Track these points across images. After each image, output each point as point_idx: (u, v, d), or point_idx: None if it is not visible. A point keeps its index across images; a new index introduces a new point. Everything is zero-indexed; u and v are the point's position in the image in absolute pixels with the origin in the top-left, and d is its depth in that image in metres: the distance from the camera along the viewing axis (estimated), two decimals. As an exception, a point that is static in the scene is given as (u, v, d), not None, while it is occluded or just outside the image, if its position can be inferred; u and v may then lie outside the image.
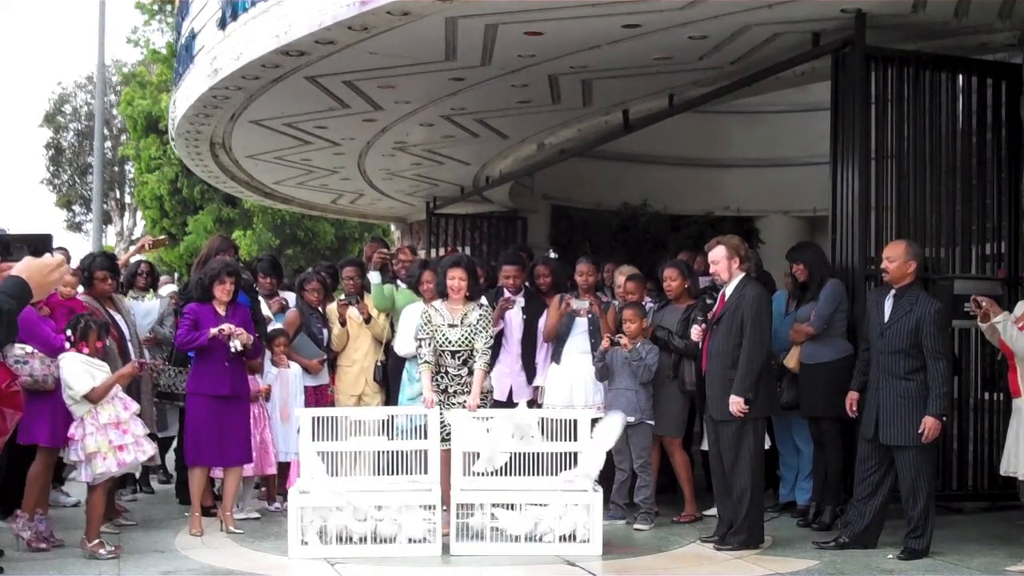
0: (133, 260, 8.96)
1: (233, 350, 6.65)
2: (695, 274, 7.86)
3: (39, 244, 3.27)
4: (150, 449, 6.26)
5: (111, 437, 6.03)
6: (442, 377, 6.68)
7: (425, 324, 6.71)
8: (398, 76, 8.49)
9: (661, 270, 7.63)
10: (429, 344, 6.67)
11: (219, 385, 6.74)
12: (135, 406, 6.24)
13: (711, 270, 6.44)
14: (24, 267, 3.13)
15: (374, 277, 7.89)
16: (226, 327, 6.65)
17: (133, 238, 30.14)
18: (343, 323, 8.04)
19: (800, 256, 7.13)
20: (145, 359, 7.14)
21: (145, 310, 8.20)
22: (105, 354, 6.39)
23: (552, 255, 8.25)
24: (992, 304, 6.19)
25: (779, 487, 7.64)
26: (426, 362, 6.67)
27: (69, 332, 6.19)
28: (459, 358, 6.66)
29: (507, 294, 7.82)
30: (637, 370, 6.92)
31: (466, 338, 6.65)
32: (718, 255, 6.34)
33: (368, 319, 7.99)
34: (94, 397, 6.02)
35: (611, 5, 6.74)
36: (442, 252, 13.14)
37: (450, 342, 6.65)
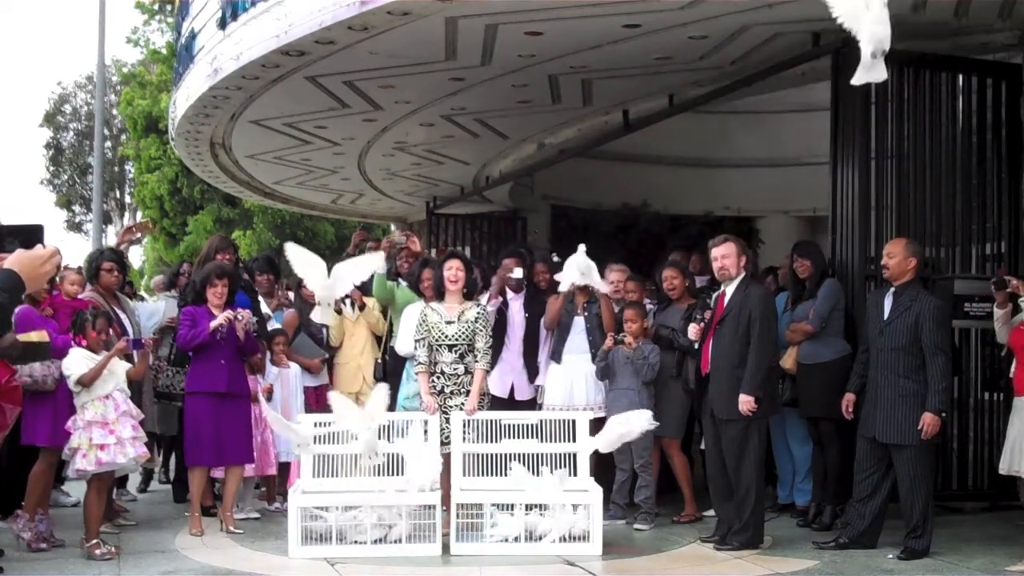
0: (145, 255, 9.03)
1: (244, 323, 6.70)
2: (691, 274, 7.87)
3: (31, 235, 3.24)
4: (132, 452, 6.11)
5: (93, 435, 6.00)
6: (438, 377, 6.66)
7: (421, 323, 6.71)
8: (398, 76, 8.50)
9: (659, 271, 7.62)
10: (424, 345, 6.66)
11: (216, 382, 6.73)
12: (127, 406, 6.16)
13: (719, 264, 6.35)
14: (16, 259, 3.10)
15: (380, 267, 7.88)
16: (228, 314, 6.66)
17: (134, 238, 30.09)
18: (339, 311, 8.05)
19: (807, 252, 7.11)
20: (143, 337, 7.09)
21: (150, 310, 8.21)
22: (108, 346, 6.37)
23: (556, 259, 8.24)
24: (1022, 284, 6.19)
25: (776, 487, 7.64)
26: (421, 364, 6.67)
27: (72, 331, 6.21)
28: (456, 352, 6.64)
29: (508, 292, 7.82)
30: (641, 368, 6.91)
31: (463, 333, 6.64)
32: (729, 250, 6.32)
33: (362, 307, 8.02)
34: (85, 381, 6.02)
35: (611, 5, 6.75)
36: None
37: (447, 336, 6.64)
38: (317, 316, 7.39)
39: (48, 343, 4.69)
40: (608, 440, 6.48)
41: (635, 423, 6.46)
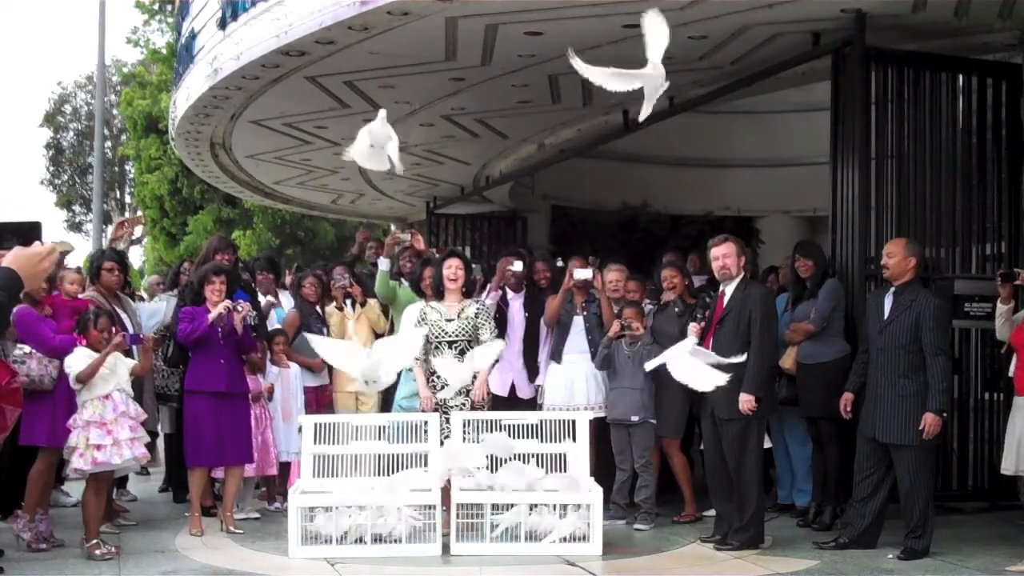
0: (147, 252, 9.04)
1: (240, 313, 6.72)
2: (689, 273, 7.87)
3: (28, 232, 3.21)
4: (128, 453, 6.08)
5: (90, 435, 5.99)
6: (438, 376, 6.67)
7: (420, 320, 6.72)
8: (398, 76, 8.50)
9: (658, 272, 7.62)
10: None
11: (216, 382, 6.73)
12: (126, 407, 6.13)
13: (720, 264, 6.33)
14: (13, 257, 3.08)
15: (383, 264, 7.89)
16: (227, 303, 6.68)
17: (133, 238, 30.09)
18: (340, 309, 8.05)
19: (809, 252, 7.11)
20: (139, 332, 7.09)
21: (151, 310, 8.21)
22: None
23: (558, 263, 8.23)
24: None
25: (774, 487, 7.64)
26: (416, 359, 6.67)
27: (76, 330, 6.22)
28: (456, 349, 6.63)
29: (509, 293, 7.84)
30: (648, 356, 6.91)
31: (463, 330, 6.64)
32: (730, 250, 6.32)
33: (363, 303, 8.03)
34: (83, 377, 6.01)
35: (611, 5, 6.75)
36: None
37: (446, 333, 6.64)
38: (362, 158, 6.48)
39: (70, 248, 4.69)
40: (677, 363, 6.15)
41: (706, 376, 6.01)
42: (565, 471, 6.47)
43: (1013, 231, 7.66)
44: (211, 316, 6.67)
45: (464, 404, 6.61)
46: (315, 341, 6.79)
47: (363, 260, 9.83)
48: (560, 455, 6.55)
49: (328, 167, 12.62)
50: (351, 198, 15.15)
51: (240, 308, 6.75)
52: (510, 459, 6.34)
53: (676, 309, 7.27)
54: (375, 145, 6.27)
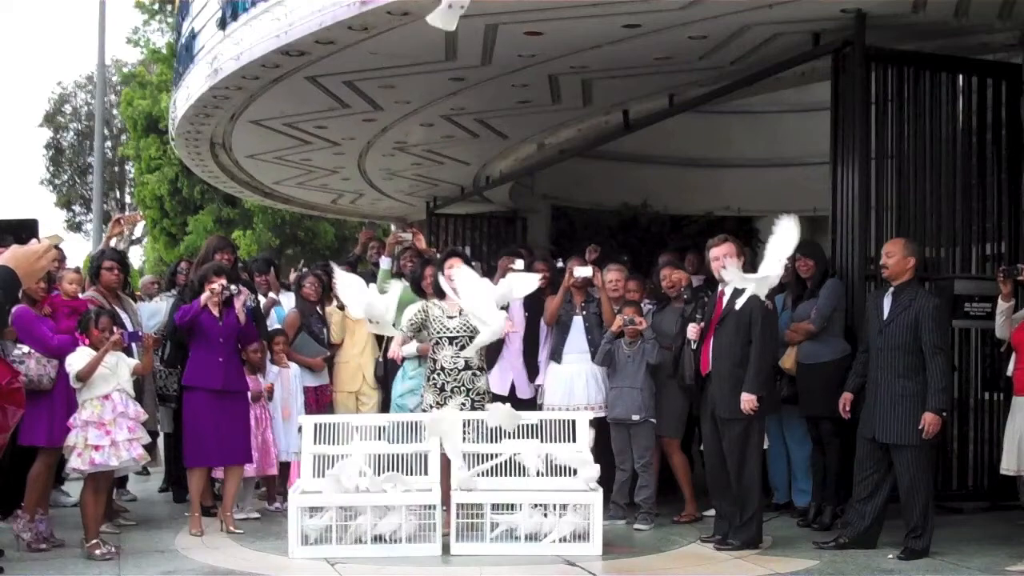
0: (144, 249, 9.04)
1: (243, 300, 6.72)
2: (688, 273, 7.86)
3: (25, 230, 3.20)
4: (126, 455, 6.08)
5: (89, 435, 5.99)
6: (438, 374, 6.68)
7: (419, 312, 6.77)
8: (398, 76, 8.49)
9: (657, 271, 7.62)
10: (413, 328, 6.76)
11: (212, 379, 6.73)
12: (124, 407, 6.12)
13: (719, 264, 6.32)
14: (10, 255, 3.06)
15: (384, 263, 7.89)
16: (223, 282, 6.68)
17: (134, 238, 30.09)
18: (341, 308, 8.06)
19: (811, 252, 7.11)
20: (138, 330, 7.08)
21: (151, 310, 8.22)
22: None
23: (558, 263, 8.24)
24: None
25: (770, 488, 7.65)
26: (401, 330, 6.72)
27: (78, 330, 6.22)
28: (456, 345, 6.65)
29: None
30: (651, 352, 6.90)
31: (464, 325, 6.65)
32: (729, 250, 6.33)
33: None
34: (82, 375, 6.02)
35: (611, 5, 6.75)
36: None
37: (448, 329, 6.67)
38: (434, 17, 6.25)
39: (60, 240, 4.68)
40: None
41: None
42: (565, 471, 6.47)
43: (1013, 231, 7.66)
44: (203, 297, 6.67)
45: (464, 405, 6.61)
46: (338, 273, 6.78)
47: (365, 260, 9.84)
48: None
49: (328, 167, 12.62)
50: (351, 198, 15.14)
51: (238, 291, 6.73)
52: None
53: (685, 297, 7.27)
54: (453, 5, 6.00)
